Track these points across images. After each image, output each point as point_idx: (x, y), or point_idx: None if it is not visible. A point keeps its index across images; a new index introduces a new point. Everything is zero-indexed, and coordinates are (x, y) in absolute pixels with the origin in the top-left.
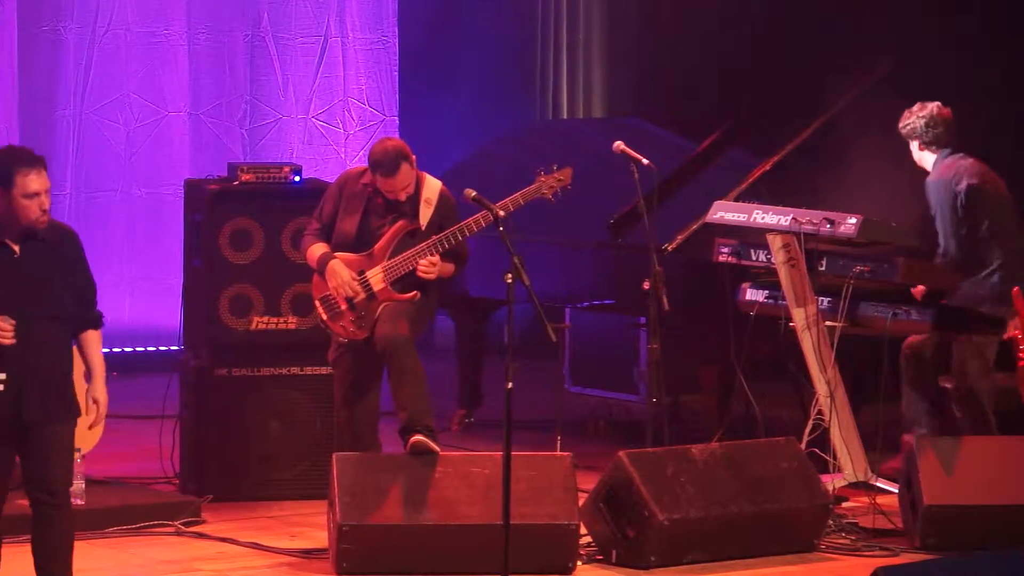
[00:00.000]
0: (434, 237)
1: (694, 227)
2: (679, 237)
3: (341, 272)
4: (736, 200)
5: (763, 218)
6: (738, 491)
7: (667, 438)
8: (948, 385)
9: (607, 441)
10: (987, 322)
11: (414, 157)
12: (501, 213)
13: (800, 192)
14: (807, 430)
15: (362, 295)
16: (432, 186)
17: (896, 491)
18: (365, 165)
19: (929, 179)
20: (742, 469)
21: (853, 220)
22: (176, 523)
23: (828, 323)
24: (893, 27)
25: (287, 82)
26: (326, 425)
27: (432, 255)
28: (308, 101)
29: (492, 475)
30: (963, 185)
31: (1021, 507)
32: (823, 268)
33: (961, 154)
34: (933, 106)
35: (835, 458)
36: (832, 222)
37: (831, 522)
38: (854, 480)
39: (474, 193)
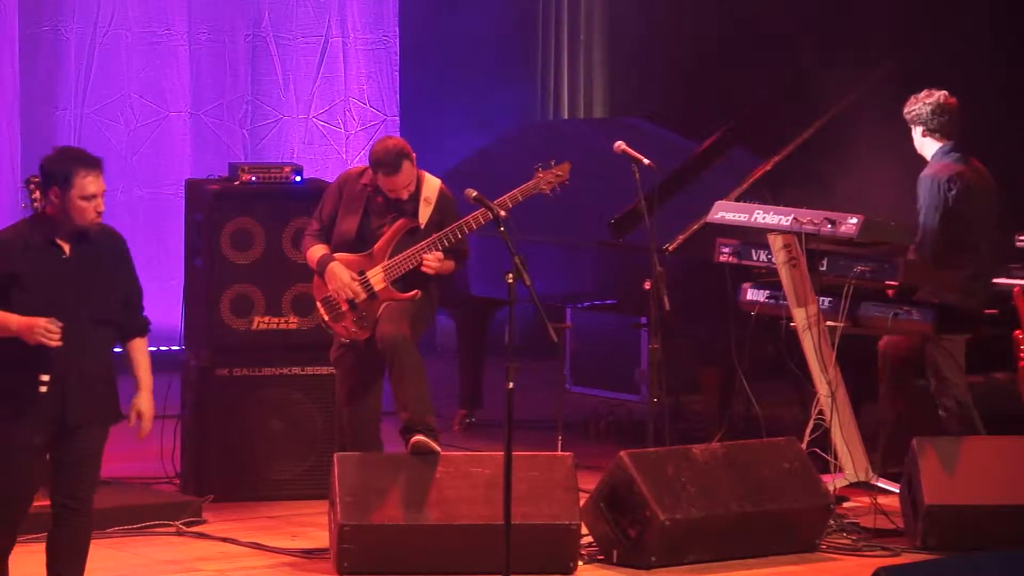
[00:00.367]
0: (434, 235)
1: (695, 227)
2: (680, 237)
3: (341, 274)
4: (737, 200)
5: (764, 218)
6: (739, 491)
7: (668, 438)
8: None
9: (608, 441)
10: (961, 320)
11: (414, 155)
12: (503, 213)
13: (801, 192)
14: (808, 430)
15: (363, 296)
16: (431, 184)
17: (897, 491)
18: (364, 165)
19: (923, 173)
20: (743, 469)
21: (854, 220)
22: (177, 523)
23: (829, 323)
24: (893, 27)
25: (288, 82)
26: (327, 425)
27: (433, 252)
28: (309, 101)
29: (493, 475)
30: (954, 191)
31: (1022, 507)
32: (824, 268)
33: (959, 154)
34: (940, 94)
35: (836, 458)
36: (833, 222)
37: (832, 522)
38: (855, 480)
39: (475, 193)
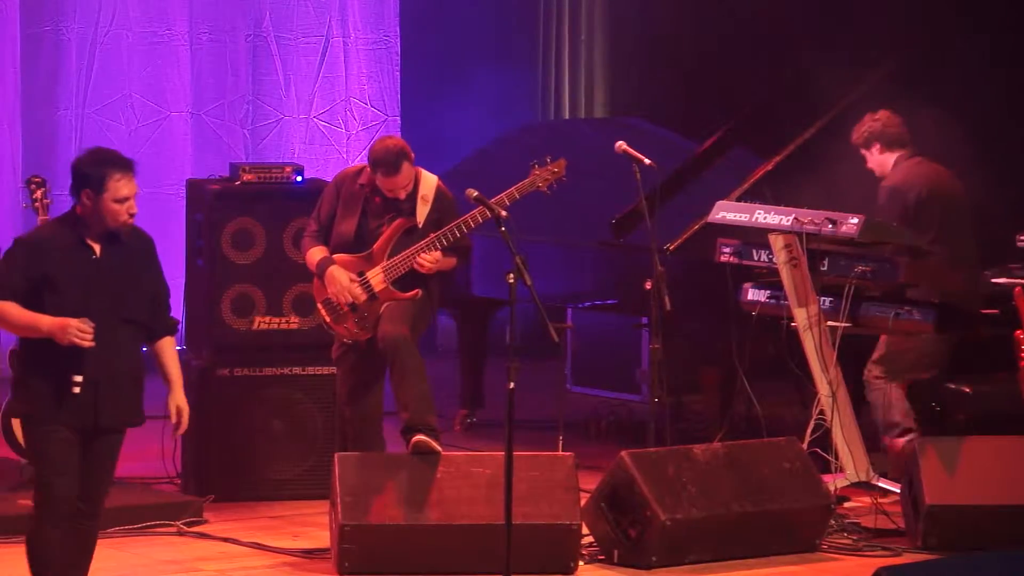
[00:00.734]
0: (432, 235)
1: (696, 227)
2: (681, 237)
3: (340, 277)
4: (738, 200)
5: (765, 218)
6: (740, 491)
7: (669, 438)
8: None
9: (609, 441)
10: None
11: (413, 155)
12: (503, 214)
13: (801, 192)
14: (809, 430)
15: (363, 298)
16: (428, 182)
17: (898, 491)
18: (361, 164)
19: (884, 183)
20: (744, 469)
21: (855, 220)
22: (178, 523)
23: (830, 323)
24: (894, 26)
25: (289, 82)
26: (328, 425)
27: (432, 252)
28: (310, 101)
29: (494, 475)
30: (913, 196)
31: (1022, 507)
32: (825, 268)
33: (920, 159)
34: (884, 112)
35: (837, 458)
36: (834, 222)
37: (833, 522)
38: (856, 480)
39: (476, 193)
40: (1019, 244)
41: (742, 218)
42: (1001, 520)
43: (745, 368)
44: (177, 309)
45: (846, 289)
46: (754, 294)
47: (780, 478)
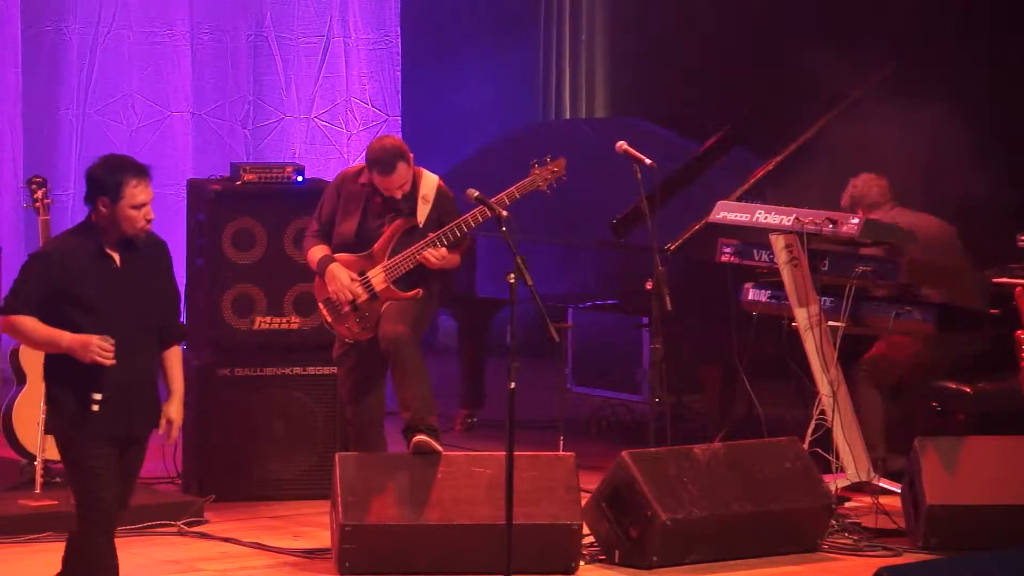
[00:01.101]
0: (430, 235)
1: (697, 227)
2: (682, 237)
3: (340, 275)
4: (739, 200)
5: (766, 218)
6: (741, 491)
7: (670, 438)
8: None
9: (610, 441)
10: None
11: (411, 156)
12: (504, 214)
13: (802, 192)
14: (810, 430)
15: (364, 297)
16: (429, 182)
17: (898, 491)
18: (361, 164)
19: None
20: (745, 469)
21: (855, 220)
22: (179, 523)
23: (831, 323)
24: (893, 27)
25: (290, 82)
26: (329, 425)
27: (437, 248)
28: (311, 101)
29: (495, 475)
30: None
31: (1023, 507)
32: (826, 268)
33: (899, 210)
34: (864, 176)
35: (838, 458)
36: (834, 222)
37: (834, 522)
38: (857, 480)
39: (477, 193)
40: (1019, 244)
41: (743, 218)
42: (1002, 520)
43: (746, 368)
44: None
45: (847, 289)
46: (755, 294)
47: (781, 478)
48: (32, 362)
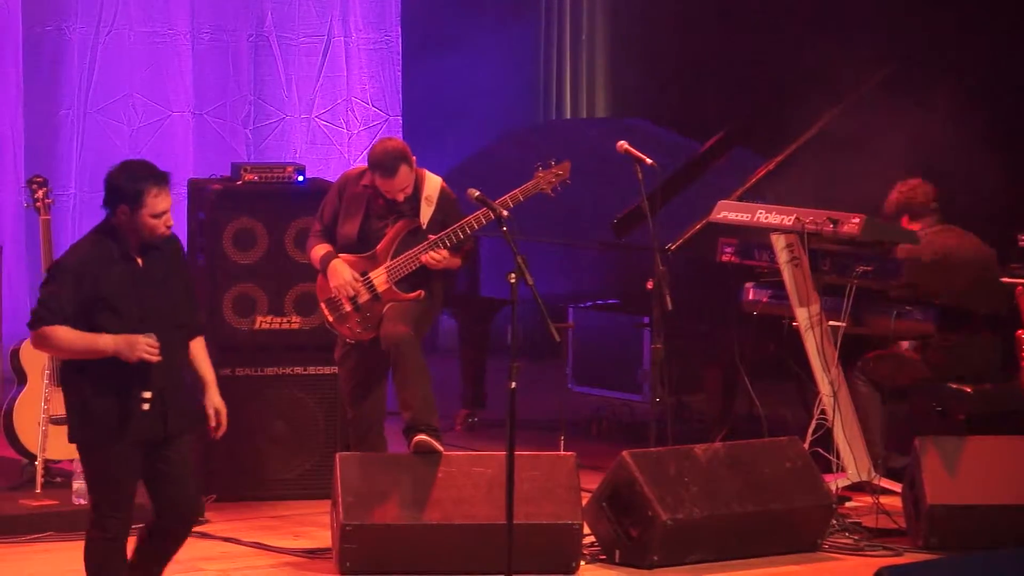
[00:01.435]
0: (431, 237)
1: (698, 227)
2: (683, 237)
3: (343, 272)
4: (740, 200)
5: (767, 217)
6: (741, 491)
7: (670, 438)
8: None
9: (610, 441)
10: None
11: (414, 158)
12: (505, 213)
13: (802, 191)
14: (810, 430)
15: (365, 295)
16: (432, 184)
17: (899, 491)
18: (364, 166)
19: (903, 245)
20: (745, 469)
21: (856, 220)
22: None
23: (831, 323)
24: (894, 28)
25: (290, 82)
26: (329, 425)
27: (438, 250)
28: (311, 101)
29: (495, 475)
30: (927, 259)
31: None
32: (826, 268)
33: (941, 227)
34: (914, 181)
35: (838, 458)
36: (835, 222)
37: (834, 522)
38: (857, 480)
39: (478, 193)
40: (1020, 244)
41: (744, 218)
42: (1002, 519)
43: (747, 368)
44: None
45: (848, 289)
46: (756, 294)
47: (782, 478)
48: (33, 362)
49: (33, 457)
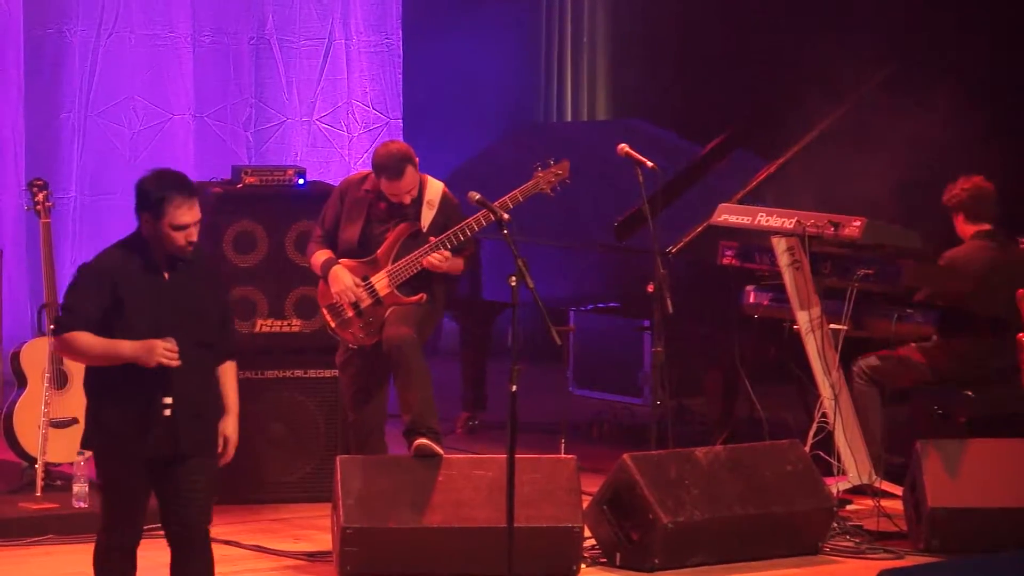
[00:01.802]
0: (432, 239)
1: (698, 230)
2: (683, 240)
3: (344, 277)
4: (740, 202)
5: (767, 220)
6: (742, 494)
7: (671, 441)
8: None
9: (611, 444)
10: None
11: (417, 159)
12: (506, 216)
13: (803, 193)
14: (811, 433)
15: (367, 300)
16: (434, 188)
17: (900, 494)
18: (365, 171)
19: (947, 253)
20: (746, 472)
21: (857, 223)
22: None
23: (832, 326)
24: (894, 28)
25: (291, 85)
26: (330, 428)
27: (440, 251)
28: (312, 104)
29: (496, 478)
30: (970, 271)
31: None
32: (827, 271)
33: (989, 243)
34: (977, 179)
35: (839, 461)
36: (836, 225)
37: (835, 525)
38: (858, 483)
39: (478, 196)
40: (1021, 247)
41: (744, 220)
42: (1004, 522)
43: (747, 371)
44: None
45: (849, 292)
46: (756, 297)
47: (782, 481)
48: (33, 365)
49: (33, 460)
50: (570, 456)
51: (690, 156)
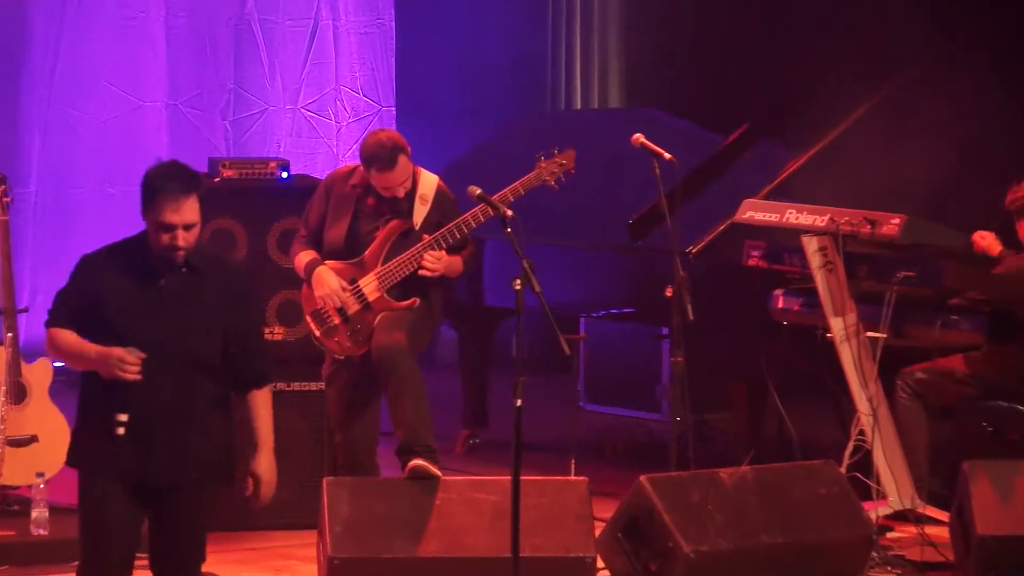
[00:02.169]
0: (426, 237)
1: (721, 228)
2: (705, 239)
3: (329, 280)
4: (767, 198)
5: (797, 218)
6: (771, 520)
7: (692, 461)
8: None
9: (626, 464)
10: None
11: (410, 149)
12: (509, 213)
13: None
14: (847, 452)
15: (354, 305)
16: (428, 182)
17: (946, 520)
18: (353, 164)
19: (1011, 259)
20: (776, 495)
21: (896, 220)
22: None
23: (869, 334)
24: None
25: (274, 70)
26: (316, 446)
27: (436, 250)
28: (297, 90)
29: (499, 502)
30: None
31: None
32: (863, 273)
33: None
34: None
35: (879, 483)
36: (873, 222)
37: (875, 554)
38: (900, 508)
39: (479, 191)
40: None
41: (772, 218)
42: None
43: (776, 384)
44: None
45: (887, 296)
46: (785, 302)
47: (816, 505)
48: None
49: None
50: (581, 478)
51: (711, 147)
